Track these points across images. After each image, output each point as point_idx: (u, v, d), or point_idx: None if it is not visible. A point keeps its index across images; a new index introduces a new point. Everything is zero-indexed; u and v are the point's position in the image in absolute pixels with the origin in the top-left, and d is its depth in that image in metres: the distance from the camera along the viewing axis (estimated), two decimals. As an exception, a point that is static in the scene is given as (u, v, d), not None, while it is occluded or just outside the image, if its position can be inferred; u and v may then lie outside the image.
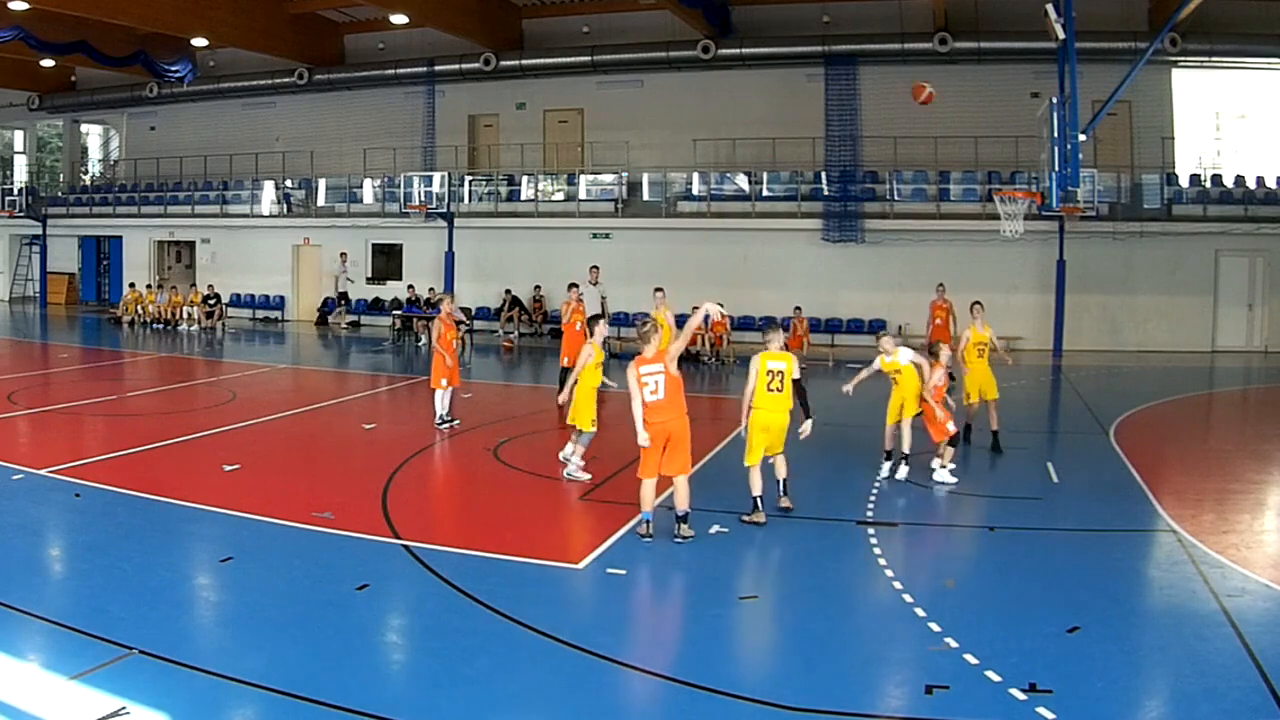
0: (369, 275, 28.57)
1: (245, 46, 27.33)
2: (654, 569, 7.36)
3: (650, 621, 6.70)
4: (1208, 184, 22.97)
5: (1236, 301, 22.33)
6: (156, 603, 6.26)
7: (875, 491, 9.48)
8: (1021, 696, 5.08)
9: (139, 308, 26.88)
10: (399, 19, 25.65)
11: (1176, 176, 22.98)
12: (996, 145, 22.87)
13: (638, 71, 26.31)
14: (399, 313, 25.77)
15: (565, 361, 14.68)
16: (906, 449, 9.98)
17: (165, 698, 4.92)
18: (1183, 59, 22.44)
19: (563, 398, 9.97)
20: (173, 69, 28.38)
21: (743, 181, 25.21)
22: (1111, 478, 10.21)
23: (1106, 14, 21.35)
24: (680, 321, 10.13)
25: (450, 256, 26.55)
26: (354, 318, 27.49)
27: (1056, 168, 15.40)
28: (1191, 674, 5.49)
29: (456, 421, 12.44)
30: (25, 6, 22.20)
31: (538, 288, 25.69)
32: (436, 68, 27.37)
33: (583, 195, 26.46)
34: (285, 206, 29.73)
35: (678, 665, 5.60)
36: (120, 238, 32.37)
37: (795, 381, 8.29)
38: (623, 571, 7.06)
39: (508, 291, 25.79)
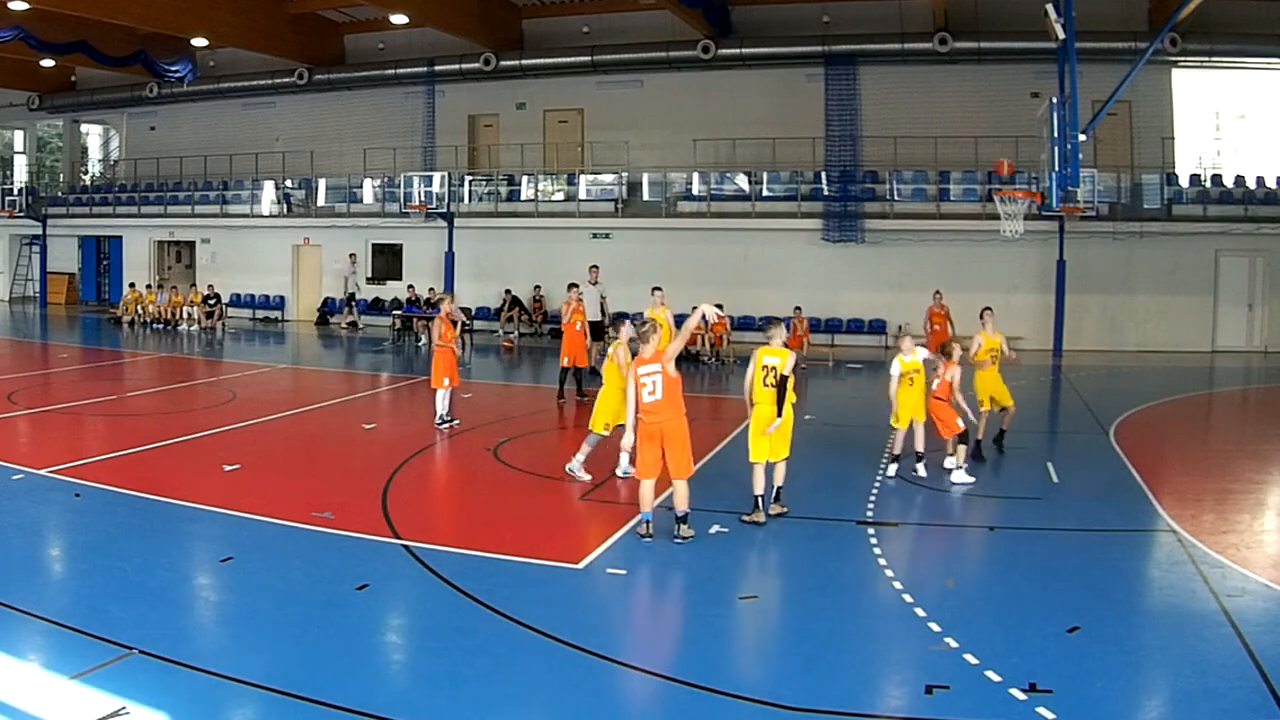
0: (369, 275, 28.58)
1: (245, 46, 27.33)
2: (654, 569, 7.36)
3: (650, 621, 6.70)
4: (1208, 184, 22.97)
5: (1236, 301, 22.32)
6: (156, 603, 6.26)
7: (875, 491, 9.47)
8: (1021, 696, 5.08)
9: (139, 308, 26.88)
10: (399, 19, 25.65)
11: (1176, 176, 22.98)
12: (996, 145, 22.83)
13: (638, 71, 26.32)
14: (399, 313, 25.77)
15: (565, 361, 14.69)
16: (920, 447, 10.06)
17: (165, 698, 4.92)
18: (1183, 59, 22.44)
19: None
20: (173, 69, 28.37)
21: (743, 181, 25.21)
22: (1111, 478, 10.20)
23: (1106, 14, 21.35)
24: (680, 322, 10.14)
25: (450, 256, 26.55)
26: (354, 318, 27.47)
27: (1056, 168, 15.39)
28: (1191, 674, 5.49)
29: (456, 421, 12.44)
30: (25, 6, 22.20)
31: (538, 288, 25.69)
32: (436, 68, 27.37)
33: (583, 195, 26.46)
34: (285, 206, 29.73)
35: (678, 665, 5.60)
36: (120, 238, 32.37)
37: (782, 377, 8.22)
38: (623, 571, 7.07)
39: (508, 291, 25.79)
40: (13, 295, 34.92)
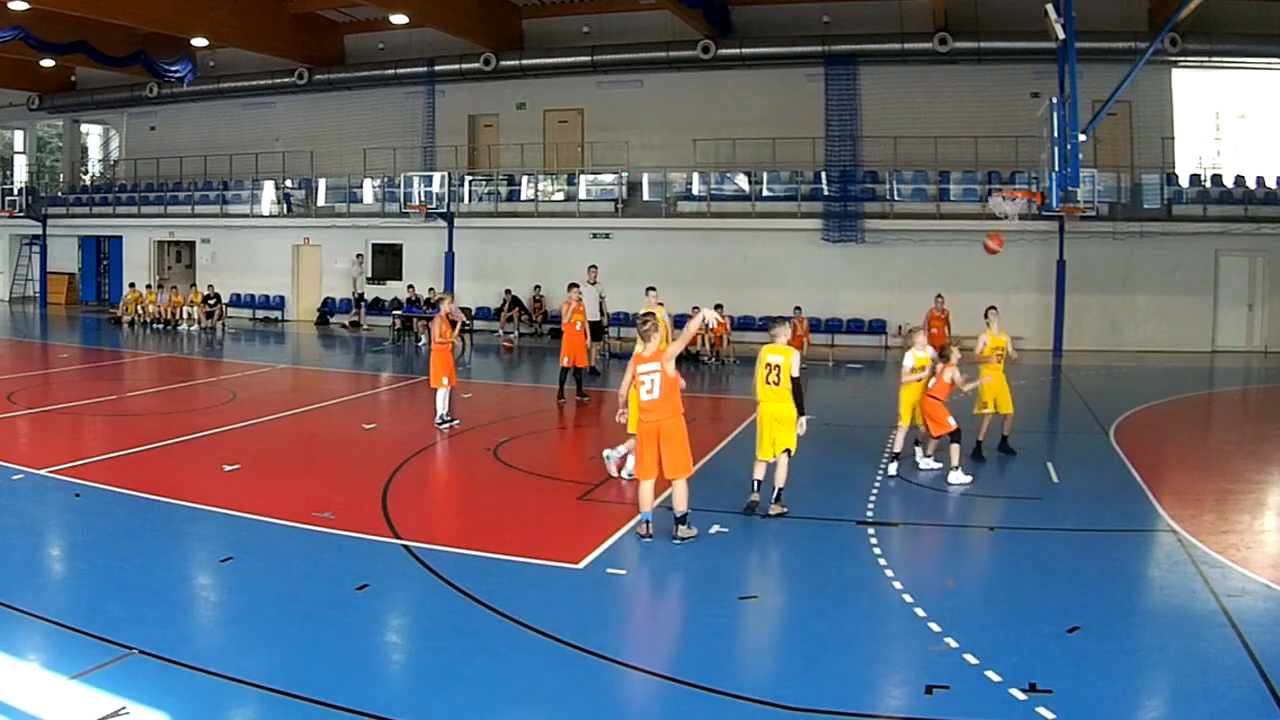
0: (369, 275, 28.59)
1: (245, 46, 27.34)
2: (654, 569, 7.36)
3: (650, 621, 6.70)
4: (1208, 184, 22.97)
5: (1236, 301, 22.33)
6: (156, 603, 6.25)
7: (875, 491, 9.47)
8: (1021, 696, 5.08)
9: (139, 308, 26.88)
10: (399, 19, 25.65)
11: (1176, 176, 22.98)
12: (996, 145, 22.87)
13: (638, 71, 26.32)
14: (399, 313, 25.78)
15: (565, 361, 14.69)
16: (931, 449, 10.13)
17: (165, 698, 4.92)
18: (1183, 59, 22.44)
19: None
20: (173, 69, 28.38)
21: (743, 181, 25.21)
22: (1111, 478, 10.20)
23: (1106, 14, 21.36)
24: (679, 322, 10.13)
25: (450, 256, 26.55)
26: (356, 317, 27.49)
27: (1056, 168, 15.39)
28: (1191, 674, 5.49)
29: (456, 421, 12.44)
30: (25, 6, 22.20)
31: (538, 288, 25.69)
32: (436, 68, 27.37)
33: (583, 195, 26.46)
34: (285, 206, 29.74)
35: (678, 665, 5.60)
36: (120, 238, 32.37)
37: (794, 380, 8.31)
38: (623, 571, 7.06)
39: (508, 291, 25.80)
40: (13, 295, 34.93)
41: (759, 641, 6.32)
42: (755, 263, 24.49)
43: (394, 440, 11.97)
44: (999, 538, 8.45)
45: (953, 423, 9.85)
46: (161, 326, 26.20)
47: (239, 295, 29.68)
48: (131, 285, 28.31)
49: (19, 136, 38.02)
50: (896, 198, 23.84)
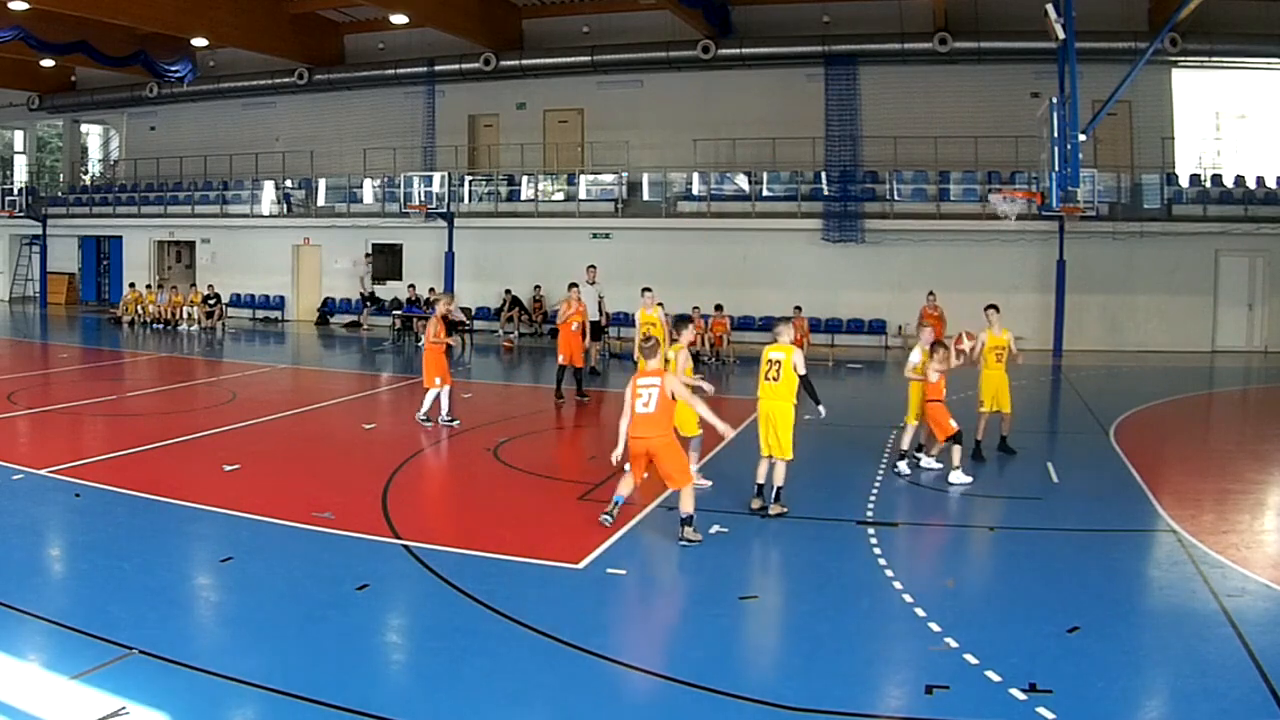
0: (361, 275, 28.58)
1: (245, 46, 27.34)
2: (654, 569, 7.36)
3: (650, 621, 6.69)
4: (1208, 184, 22.97)
5: (1236, 301, 22.34)
6: (156, 603, 6.25)
7: (875, 491, 9.47)
8: (1021, 696, 5.08)
9: (139, 308, 26.88)
10: (399, 19, 25.65)
11: (1176, 176, 22.98)
12: (996, 145, 22.87)
13: (638, 71, 26.33)
14: (399, 313, 25.78)
15: (562, 360, 14.70)
16: (923, 440, 10.21)
17: (165, 698, 4.92)
18: (1183, 59, 22.45)
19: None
20: (173, 69, 28.38)
21: (743, 181, 25.22)
22: (1111, 478, 10.20)
23: (1106, 14, 21.36)
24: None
25: (450, 256, 26.55)
26: (358, 317, 27.50)
27: (1056, 168, 15.39)
28: (1191, 674, 5.49)
29: (456, 422, 12.45)
30: (25, 6, 22.21)
31: (538, 288, 25.69)
32: (436, 68, 27.38)
33: (583, 195, 26.46)
34: (285, 206, 29.74)
35: (678, 665, 5.59)
36: (120, 238, 32.38)
37: (803, 377, 8.39)
38: (623, 571, 7.06)
39: (508, 291, 25.80)
40: (13, 295, 34.93)
41: (759, 641, 6.32)
42: (755, 263, 24.49)
43: (394, 440, 11.96)
44: (999, 538, 8.45)
45: (954, 425, 9.86)
46: (161, 326, 26.20)
47: (239, 295, 29.69)
48: (131, 285, 28.30)
49: (19, 136, 38.03)
50: (896, 198, 23.84)
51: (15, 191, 32.62)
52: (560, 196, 27.00)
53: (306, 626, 5.99)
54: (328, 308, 28.62)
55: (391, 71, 28.14)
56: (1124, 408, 14.40)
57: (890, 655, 5.88)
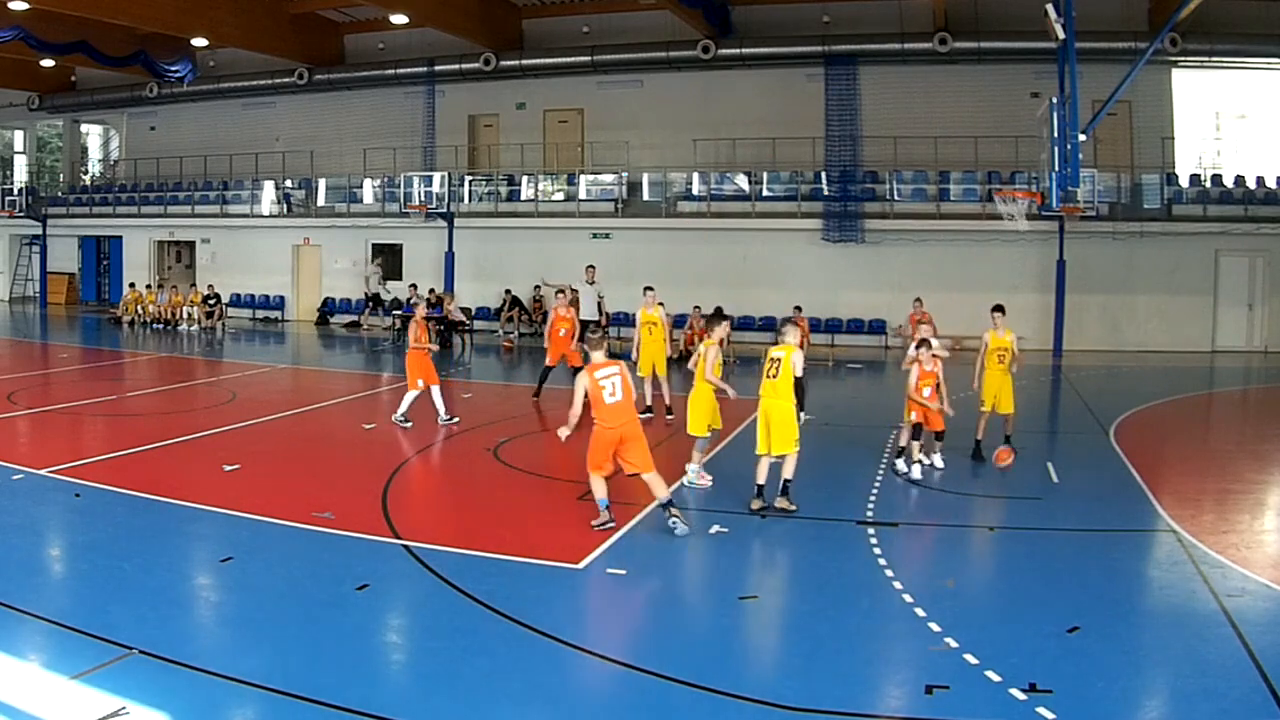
0: (366, 275, 28.57)
1: (245, 46, 27.33)
2: (654, 569, 7.36)
3: (650, 621, 6.69)
4: (1208, 184, 22.97)
5: (1236, 301, 22.33)
6: (156, 603, 6.25)
7: (875, 491, 9.48)
8: (1021, 696, 5.08)
9: (139, 308, 26.88)
10: (399, 19, 25.65)
11: (1176, 176, 22.98)
12: (996, 145, 22.87)
13: (638, 71, 26.32)
14: (399, 313, 25.75)
15: (549, 361, 14.90)
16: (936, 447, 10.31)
17: (165, 698, 4.92)
18: (1183, 59, 22.44)
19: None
20: (173, 69, 28.38)
21: (743, 181, 25.21)
22: (1111, 478, 10.20)
23: (1106, 14, 21.36)
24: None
25: (450, 256, 26.55)
26: (354, 317, 27.48)
27: (1056, 168, 15.39)
28: (1191, 674, 5.49)
29: (455, 420, 12.43)
30: (25, 6, 22.20)
31: (537, 288, 25.68)
32: (436, 68, 27.37)
33: (583, 195, 26.46)
34: (285, 206, 29.74)
35: (678, 665, 5.59)
36: (120, 238, 32.37)
37: (797, 379, 8.39)
38: (623, 571, 7.06)
39: (508, 291, 25.80)
40: (13, 295, 34.92)
41: (759, 641, 6.32)
42: (755, 263, 24.49)
43: (394, 440, 11.96)
44: (999, 538, 8.45)
45: (914, 419, 10.04)
46: (161, 326, 26.19)
47: (239, 295, 29.68)
48: (131, 285, 28.29)
49: (19, 136, 38.02)
50: (896, 198, 23.84)
51: (15, 191, 32.61)
52: (560, 196, 26.99)
53: (306, 626, 5.99)
54: (328, 308, 28.62)
55: (391, 71, 28.13)
56: (1124, 408, 14.40)
57: (890, 655, 5.88)
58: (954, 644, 5.73)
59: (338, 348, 24.18)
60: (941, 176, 23.68)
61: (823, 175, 24.44)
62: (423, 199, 25.83)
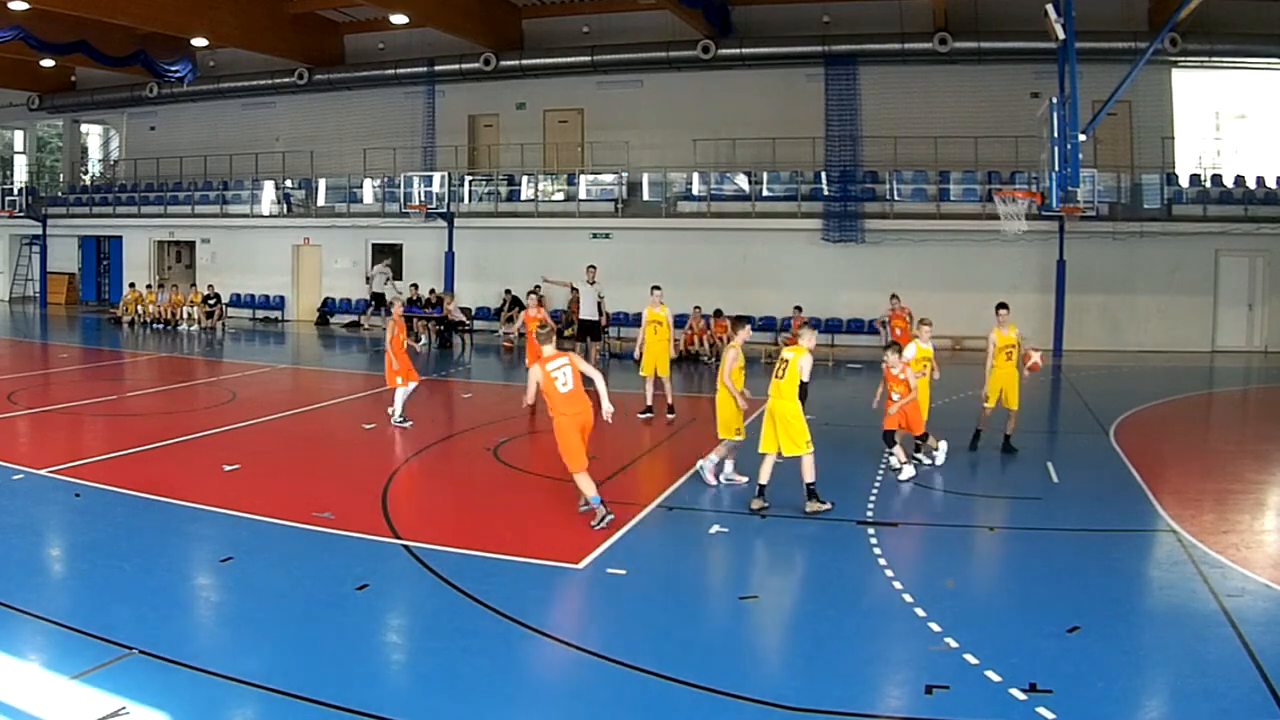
0: (368, 275, 28.56)
1: (245, 46, 27.32)
2: (654, 569, 7.36)
3: (650, 621, 6.69)
4: (1208, 184, 22.96)
5: (1236, 301, 22.33)
6: (156, 603, 6.26)
7: (875, 491, 9.48)
8: (1021, 696, 5.08)
9: (139, 308, 26.87)
10: (399, 19, 25.64)
11: (1176, 176, 22.97)
12: (996, 145, 22.87)
13: (638, 71, 26.31)
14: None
15: (528, 363, 14.81)
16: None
17: (165, 698, 4.92)
18: (1183, 59, 22.44)
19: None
20: (173, 69, 28.37)
21: (743, 181, 25.21)
22: (1111, 478, 10.20)
23: (1106, 14, 21.36)
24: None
25: (450, 256, 26.55)
26: (355, 317, 27.47)
27: (1056, 168, 15.39)
28: (1191, 674, 5.49)
29: (408, 424, 12.40)
30: (25, 6, 22.20)
31: (537, 288, 25.63)
32: (436, 68, 27.37)
33: (583, 195, 26.45)
34: (285, 206, 29.73)
35: (678, 665, 5.59)
36: (120, 238, 32.37)
37: (803, 382, 8.44)
38: (623, 571, 7.06)
39: (508, 291, 25.79)
40: (13, 295, 34.92)
41: (759, 641, 6.32)
42: (755, 263, 24.49)
43: (394, 440, 11.96)
44: (999, 538, 8.46)
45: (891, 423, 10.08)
46: (161, 326, 26.19)
47: (239, 295, 29.67)
48: (131, 285, 28.29)
49: (19, 136, 38.01)
50: (896, 198, 23.83)
51: (15, 191, 32.61)
52: (560, 196, 26.98)
53: (306, 626, 6.00)
54: (328, 308, 28.62)
55: (391, 71, 28.12)
56: (1124, 408, 14.40)
57: (890, 655, 5.89)
58: (954, 644, 5.74)
59: (338, 348, 24.19)
60: (941, 177, 23.67)
61: (823, 175, 24.44)
62: (423, 199, 25.82)
